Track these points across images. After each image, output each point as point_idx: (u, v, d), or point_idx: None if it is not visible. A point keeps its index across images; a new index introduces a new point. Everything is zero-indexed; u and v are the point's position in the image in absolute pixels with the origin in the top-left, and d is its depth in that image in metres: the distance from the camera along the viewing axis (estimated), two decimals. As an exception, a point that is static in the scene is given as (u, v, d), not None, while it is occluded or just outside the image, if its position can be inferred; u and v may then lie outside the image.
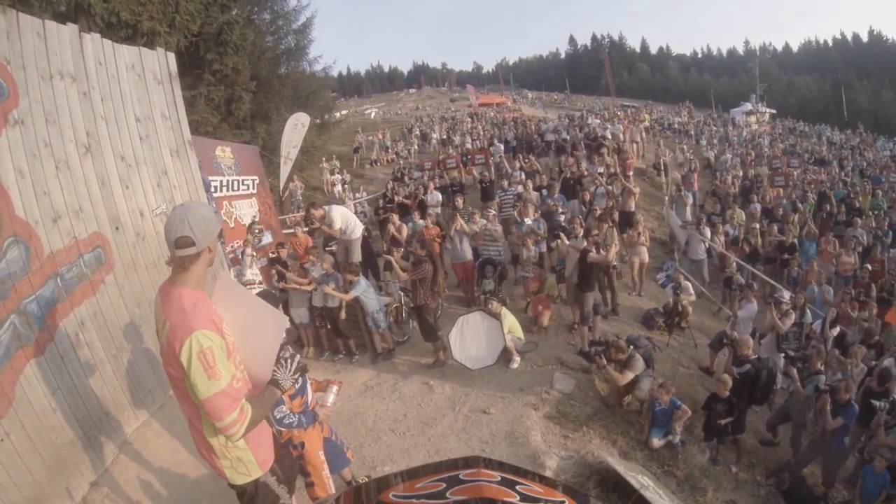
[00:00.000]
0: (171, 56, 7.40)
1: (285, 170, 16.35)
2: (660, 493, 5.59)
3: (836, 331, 9.43)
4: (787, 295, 9.17)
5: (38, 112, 4.89)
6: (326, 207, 9.69)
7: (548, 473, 5.49)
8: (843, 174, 21.59)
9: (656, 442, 6.66)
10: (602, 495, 5.44)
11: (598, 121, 26.29)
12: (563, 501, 1.97)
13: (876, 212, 15.43)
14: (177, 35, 14.07)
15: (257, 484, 2.99)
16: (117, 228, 5.83)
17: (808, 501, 7.28)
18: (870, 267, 11.54)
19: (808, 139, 37.92)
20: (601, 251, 8.01)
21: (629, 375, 7.03)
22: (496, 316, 7.75)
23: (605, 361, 7.02)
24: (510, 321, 7.91)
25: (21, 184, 4.60)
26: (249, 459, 2.91)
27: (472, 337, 7.68)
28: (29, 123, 4.77)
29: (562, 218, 11.00)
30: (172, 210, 2.65)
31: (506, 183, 14.18)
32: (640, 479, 5.45)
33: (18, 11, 4.78)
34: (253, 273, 8.76)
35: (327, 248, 10.52)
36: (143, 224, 6.27)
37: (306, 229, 10.95)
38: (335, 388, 4.37)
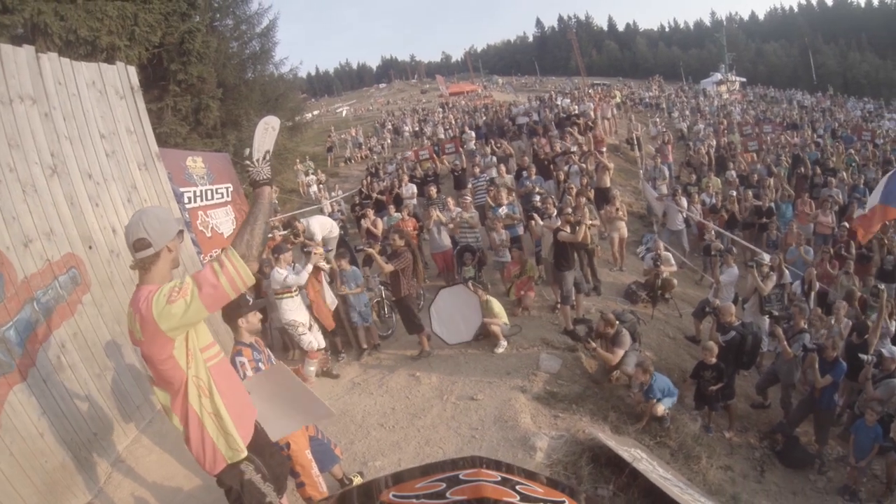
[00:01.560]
0: (132, 69, 7.33)
1: None
2: (653, 465, 5.57)
3: (816, 287, 9.45)
4: (767, 257, 9.19)
5: None
6: (304, 221, 9.68)
7: (539, 455, 5.47)
8: (815, 136, 21.69)
9: (661, 408, 6.61)
10: (595, 471, 5.42)
11: (569, 100, 26.25)
12: (564, 501, 1.94)
13: (850, 170, 15.50)
14: (137, 48, 13.89)
15: (242, 482, 3.03)
16: (90, 247, 5.78)
17: (803, 460, 7.34)
18: (847, 225, 11.58)
19: (779, 104, 38.32)
20: (572, 230, 7.94)
21: (619, 353, 7.00)
22: (480, 299, 7.74)
23: (594, 344, 6.96)
24: (497, 307, 7.86)
25: (-12, 211, 4.55)
26: (233, 433, 2.95)
27: (451, 311, 7.69)
28: (-9, 150, 4.72)
29: (537, 199, 10.92)
30: (131, 217, 2.75)
31: (477, 170, 14.10)
32: (632, 453, 5.42)
33: (-29, 39, 4.74)
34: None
35: (305, 250, 10.38)
36: (116, 241, 6.21)
37: (283, 232, 10.87)
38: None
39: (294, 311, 7.06)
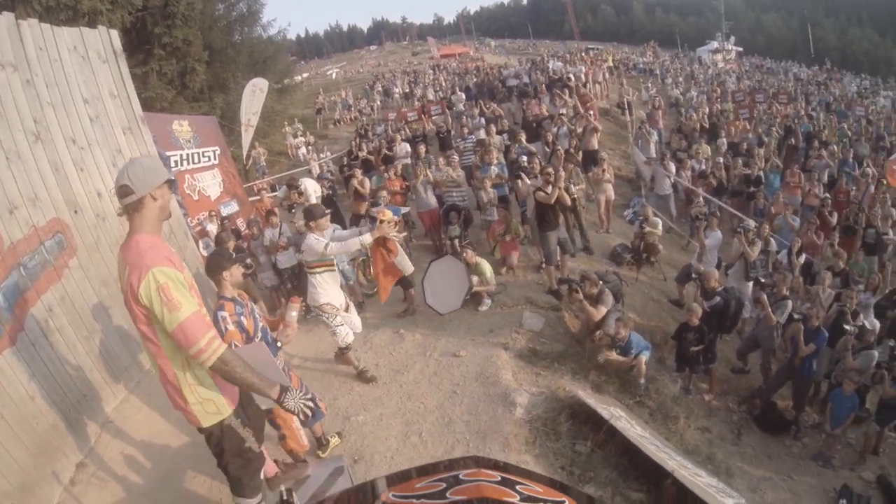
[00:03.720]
0: (114, 33, 7.28)
1: (247, 137, 16.01)
2: (631, 423, 5.60)
3: (803, 258, 9.47)
4: (752, 223, 9.17)
5: None
6: (300, 183, 9.75)
7: (519, 410, 5.48)
8: (809, 109, 21.58)
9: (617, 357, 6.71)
10: (574, 428, 5.45)
11: (560, 63, 25.92)
12: (564, 501, 1.93)
13: (842, 144, 15.45)
14: (120, 11, 13.56)
15: (222, 426, 3.10)
16: (76, 212, 5.85)
17: (780, 426, 7.45)
18: (829, 197, 11.59)
19: (774, 76, 38.02)
20: (548, 190, 7.83)
21: (603, 310, 6.96)
22: (468, 263, 7.69)
23: (580, 295, 6.92)
24: (488, 269, 7.82)
25: (-28, 179, 4.58)
26: (218, 398, 3.04)
27: (441, 282, 7.61)
28: (-27, 118, 4.72)
29: (524, 159, 10.80)
30: None
31: (465, 131, 13.96)
32: (611, 411, 5.44)
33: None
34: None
35: (292, 210, 10.32)
36: (101, 205, 6.26)
37: (272, 194, 10.85)
38: (295, 305, 4.22)
39: (330, 290, 5.74)
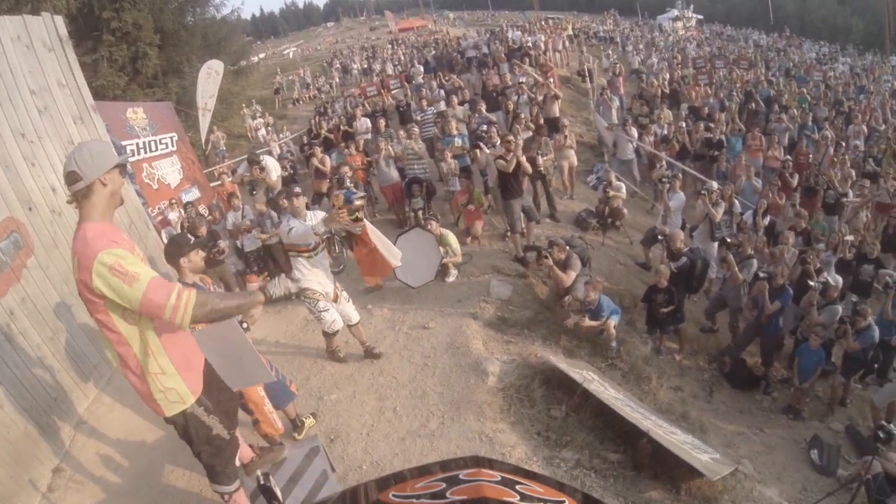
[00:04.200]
0: (59, 19, 6.95)
1: (205, 122, 15.44)
2: (605, 386, 5.60)
3: (767, 220, 9.55)
4: (714, 185, 9.19)
5: None
6: (261, 159, 9.66)
7: (491, 379, 5.45)
8: (769, 74, 21.76)
9: (588, 323, 6.69)
10: (548, 394, 5.44)
11: (519, 33, 25.73)
12: (564, 501, 1.88)
13: (801, 108, 15.63)
14: None
15: (185, 415, 3.00)
16: (30, 209, 5.60)
17: (750, 382, 7.59)
18: (790, 159, 11.71)
19: (734, 43, 38.25)
20: (508, 158, 7.72)
21: (572, 275, 6.93)
22: (434, 233, 7.57)
23: (550, 261, 6.84)
24: (453, 240, 7.74)
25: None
26: (180, 386, 2.94)
27: (410, 255, 7.42)
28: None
29: (483, 128, 10.69)
30: None
31: (425, 103, 13.79)
32: (584, 375, 5.44)
33: None
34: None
35: (253, 193, 10.08)
36: (56, 200, 5.99)
37: (231, 178, 10.58)
38: (254, 285, 4.12)
39: (309, 275, 5.42)
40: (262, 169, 9.30)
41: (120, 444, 5.22)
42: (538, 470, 4.47)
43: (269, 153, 15.72)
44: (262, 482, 3.64)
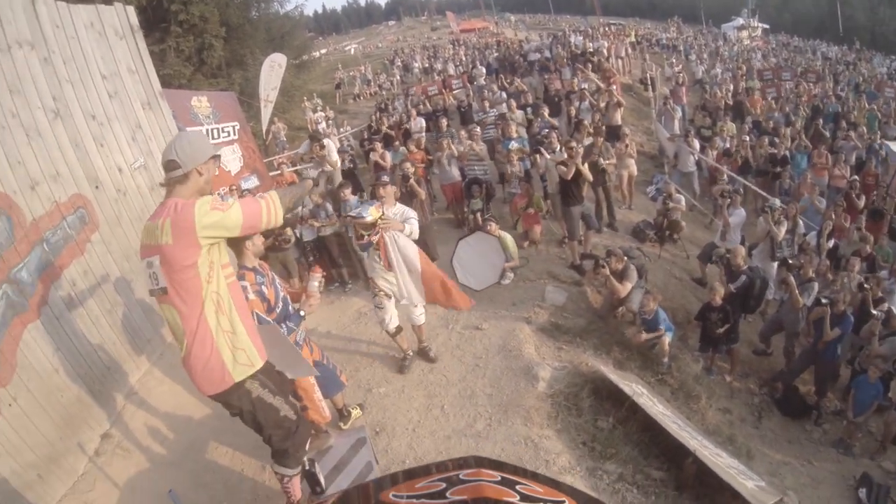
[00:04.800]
0: (130, 9, 7.16)
1: (266, 113, 15.84)
2: (653, 401, 5.56)
3: (831, 243, 9.30)
4: (778, 202, 8.98)
5: (0, 85, 4.82)
6: (322, 136, 9.72)
7: (541, 384, 5.46)
8: (837, 89, 21.05)
9: (643, 336, 6.63)
10: (596, 404, 5.43)
11: (582, 38, 25.52)
12: (564, 501, 1.93)
13: (871, 126, 15.09)
14: None
15: (252, 401, 3.07)
16: (97, 187, 5.82)
17: (801, 410, 7.33)
18: (857, 179, 11.30)
19: (802, 54, 37.11)
20: (574, 165, 7.70)
21: (628, 286, 6.90)
22: (492, 234, 7.62)
23: (607, 270, 6.83)
24: (510, 242, 7.76)
25: (-7, 157, 4.60)
26: (250, 347, 3.02)
27: (472, 258, 7.53)
28: (-8, 97, 4.73)
29: (546, 132, 10.68)
30: None
31: (487, 104, 13.83)
32: (633, 388, 5.41)
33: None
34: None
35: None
36: (122, 180, 6.26)
37: (292, 169, 10.83)
38: (317, 275, 4.18)
39: (373, 266, 5.48)
40: (323, 147, 9.47)
41: (168, 417, 5.40)
42: (581, 481, 4.49)
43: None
44: (307, 467, 3.69)
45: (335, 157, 9.42)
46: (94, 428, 5.01)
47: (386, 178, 5.54)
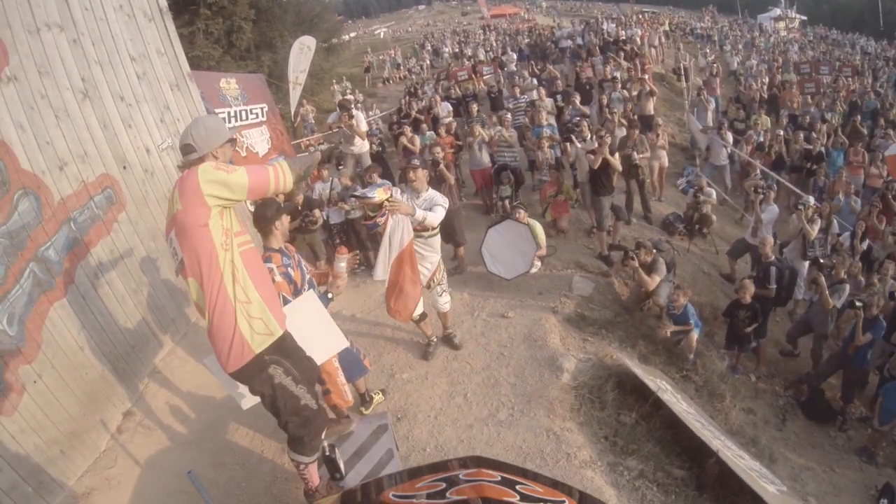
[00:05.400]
0: None
1: (295, 95, 15.73)
2: (677, 398, 5.52)
3: (865, 244, 9.10)
4: (811, 200, 8.80)
5: (29, 66, 4.84)
6: (352, 106, 9.83)
7: (565, 376, 5.44)
8: (876, 85, 20.49)
9: (671, 328, 6.58)
10: (619, 398, 5.41)
11: (615, 25, 25.14)
12: (564, 501, 1.91)
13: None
14: None
15: (273, 386, 3.08)
16: (125, 167, 5.88)
17: (826, 415, 7.20)
18: (894, 180, 10.98)
19: (840, 48, 36.19)
20: (601, 155, 7.62)
21: (656, 279, 6.82)
22: (521, 221, 7.50)
23: (636, 263, 6.76)
24: (539, 230, 7.64)
25: (23, 137, 4.61)
26: (267, 315, 3.00)
27: (502, 246, 7.43)
28: (22, 78, 4.72)
29: (577, 120, 10.55)
30: None
31: (518, 91, 13.69)
32: (658, 383, 5.38)
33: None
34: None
35: (340, 167, 10.27)
36: (149, 160, 6.31)
37: (322, 147, 10.84)
38: (344, 255, 4.16)
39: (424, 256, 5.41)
40: (352, 117, 9.46)
41: (189, 397, 5.47)
42: (601, 476, 4.49)
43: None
44: (326, 453, 3.69)
45: (364, 126, 9.44)
46: (117, 405, 5.10)
47: (416, 162, 5.37)
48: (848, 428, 7.13)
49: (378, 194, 4.73)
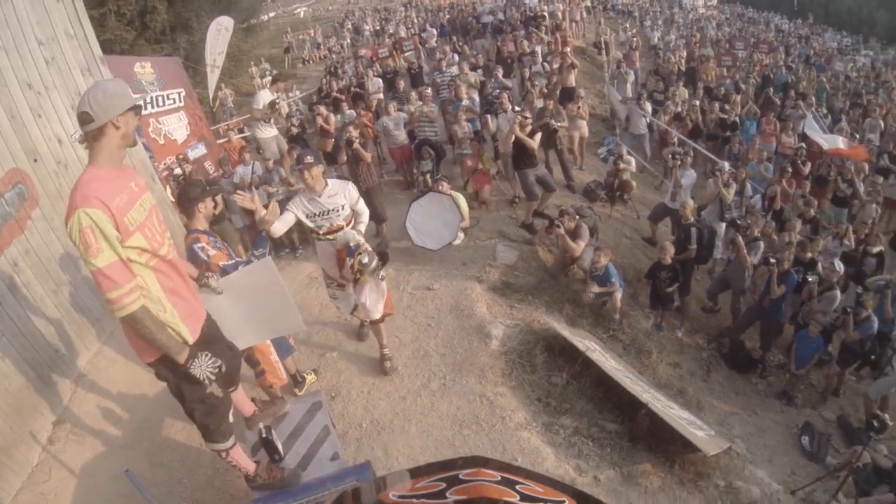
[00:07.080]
0: None
1: (213, 78, 15.18)
2: (606, 356, 5.61)
3: (779, 205, 9.48)
4: (727, 165, 9.15)
5: None
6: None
7: (494, 343, 5.46)
8: (788, 60, 21.45)
9: (590, 294, 6.66)
10: (549, 360, 5.45)
11: (536, 1, 25.33)
12: (563, 501, 1.86)
13: (818, 97, 15.42)
14: None
15: (178, 372, 2.95)
16: (36, 160, 5.45)
17: (747, 364, 7.59)
18: (803, 147, 11.51)
19: (755, 25, 37.56)
20: (531, 133, 7.70)
21: (581, 245, 6.90)
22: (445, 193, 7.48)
23: (562, 230, 6.80)
24: (462, 202, 7.62)
25: (-78, 131, 4.19)
26: (178, 325, 2.86)
27: (426, 219, 7.35)
28: (-81, 67, 4.29)
29: (497, 93, 10.55)
30: None
31: (444, 65, 13.59)
32: (586, 343, 5.45)
33: None
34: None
35: (261, 151, 9.95)
36: (63, 151, 5.87)
37: (239, 136, 10.50)
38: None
39: (322, 257, 5.10)
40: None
41: (121, 398, 5.25)
42: (537, 436, 4.56)
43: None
44: (263, 435, 3.61)
45: (260, 105, 9.02)
46: (45, 415, 4.82)
47: (310, 159, 4.61)
48: (768, 374, 7.55)
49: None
